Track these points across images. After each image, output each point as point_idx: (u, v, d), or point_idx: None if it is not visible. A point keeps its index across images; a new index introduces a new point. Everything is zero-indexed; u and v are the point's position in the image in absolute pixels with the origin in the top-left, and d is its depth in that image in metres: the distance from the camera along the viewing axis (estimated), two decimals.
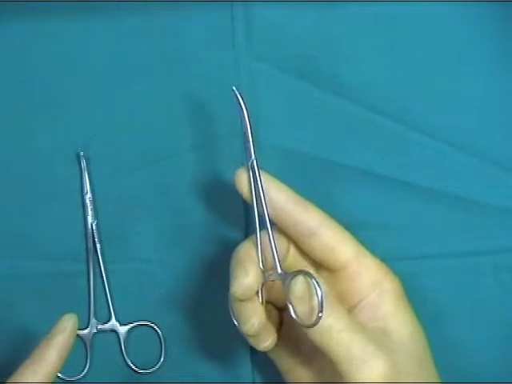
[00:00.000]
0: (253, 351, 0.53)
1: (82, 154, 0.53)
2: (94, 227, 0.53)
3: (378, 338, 0.45)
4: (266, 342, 0.47)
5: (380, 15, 0.52)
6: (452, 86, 0.52)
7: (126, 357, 0.53)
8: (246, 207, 0.53)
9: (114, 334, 0.53)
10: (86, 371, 0.53)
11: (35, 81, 0.53)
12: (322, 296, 0.43)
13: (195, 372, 0.53)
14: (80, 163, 0.53)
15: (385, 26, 0.52)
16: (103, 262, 0.53)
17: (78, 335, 0.51)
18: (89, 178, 0.53)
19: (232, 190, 0.52)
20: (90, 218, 0.53)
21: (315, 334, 0.44)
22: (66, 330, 0.46)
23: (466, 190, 0.52)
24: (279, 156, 0.53)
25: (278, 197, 0.47)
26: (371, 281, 0.48)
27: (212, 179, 0.53)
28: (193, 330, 0.53)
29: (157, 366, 0.53)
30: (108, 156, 0.54)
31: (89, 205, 0.53)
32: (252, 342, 0.47)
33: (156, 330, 0.53)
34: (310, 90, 0.53)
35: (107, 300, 0.53)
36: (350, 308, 0.48)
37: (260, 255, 0.46)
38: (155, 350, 0.53)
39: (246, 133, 0.47)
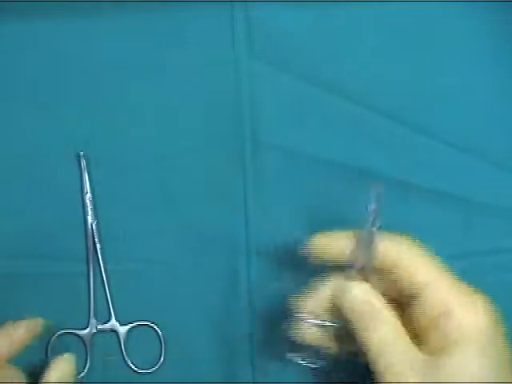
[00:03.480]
0: (253, 351, 0.53)
1: (82, 153, 0.53)
2: (93, 227, 0.53)
3: None
4: None
5: (380, 15, 0.52)
6: (452, 87, 0.52)
7: (126, 357, 0.53)
8: (246, 207, 0.53)
9: (114, 334, 0.53)
10: (85, 371, 0.52)
11: (35, 80, 0.53)
12: None
13: (195, 372, 0.53)
14: (80, 163, 0.53)
15: (385, 26, 0.53)
16: (103, 262, 0.53)
17: (77, 335, 0.51)
18: (89, 177, 0.53)
19: (232, 190, 0.53)
20: (89, 218, 0.53)
21: None
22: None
23: (466, 190, 0.52)
24: (279, 156, 0.53)
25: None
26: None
27: (212, 179, 0.53)
28: (192, 330, 0.53)
29: (157, 366, 0.53)
30: (108, 156, 0.53)
31: (89, 205, 0.53)
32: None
33: (156, 330, 0.53)
34: (309, 89, 0.53)
35: (107, 300, 0.53)
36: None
37: None
38: (155, 350, 0.53)
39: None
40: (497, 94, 0.52)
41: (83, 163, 0.53)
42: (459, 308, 0.41)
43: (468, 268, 0.51)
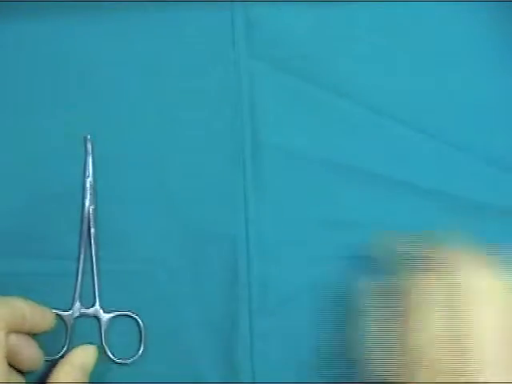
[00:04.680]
0: (252, 350, 0.52)
1: (88, 137, 0.52)
2: (90, 211, 0.52)
3: None
4: None
5: (380, 15, 0.53)
6: (453, 87, 0.53)
7: (104, 344, 0.52)
8: (246, 207, 0.53)
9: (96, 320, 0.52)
10: (63, 352, 0.51)
11: (36, 80, 0.53)
12: None
13: (195, 371, 0.52)
14: (85, 148, 0.53)
15: (384, 26, 0.53)
16: (96, 246, 0.52)
17: (59, 315, 0.51)
18: (92, 162, 0.52)
19: (232, 190, 0.52)
20: (87, 202, 0.52)
21: None
22: None
23: (466, 190, 0.52)
24: (279, 156, 0.53)
25: None
26: None
27: (212, 179, 0.53)
28: (192, 329, 0.52)
29: (135, 357, 0.51)
30: (107, 157, 0.53)
31: (88, 189, 0.52)
32: None
33: (138, 322, 0.52)
34: (309, 89, 0.53)
35: (93, 285, 0.52)
36: None
37: None
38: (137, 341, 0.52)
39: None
40: (497, 94, 0.53)
41: (89, 146, 0.52)
42: None
43: None
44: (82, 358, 0.49)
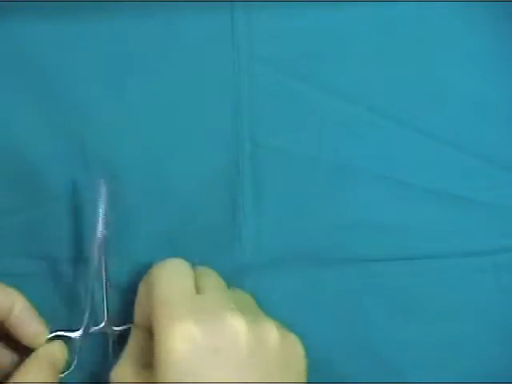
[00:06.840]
0: None
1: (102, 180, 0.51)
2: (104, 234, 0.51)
3: None
4: None
5: (380, 16, 0.53)
6: (452, 86, 0.53)
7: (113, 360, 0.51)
8: (245, 208, 0.53)
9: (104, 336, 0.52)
10: (69, 372, 0.51)
11: (34, 81, 0.53)
12: None
13: None
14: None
15: (385, 27, 0.53)
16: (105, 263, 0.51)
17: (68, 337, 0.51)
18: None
19: (230, 191, 0.52)
20: (100, 227, 0.50)
21: None
22: None
23: (466, 189, 0.53)
24: (279, 157, 0.53)
25: None
26: None
27: (210, 180, 0.53)
28: None
29: None
30: (108, 157, 0.53)
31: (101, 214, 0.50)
32: None
33: None
34: (309, 90, 0.53)
35: (103, 302, 0.52)
36: None
37: None
38: None
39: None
40: (497, 94, 0.53)
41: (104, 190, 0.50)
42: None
43: (467, 268, 0.52)
44: (51, 355, 0.49)
